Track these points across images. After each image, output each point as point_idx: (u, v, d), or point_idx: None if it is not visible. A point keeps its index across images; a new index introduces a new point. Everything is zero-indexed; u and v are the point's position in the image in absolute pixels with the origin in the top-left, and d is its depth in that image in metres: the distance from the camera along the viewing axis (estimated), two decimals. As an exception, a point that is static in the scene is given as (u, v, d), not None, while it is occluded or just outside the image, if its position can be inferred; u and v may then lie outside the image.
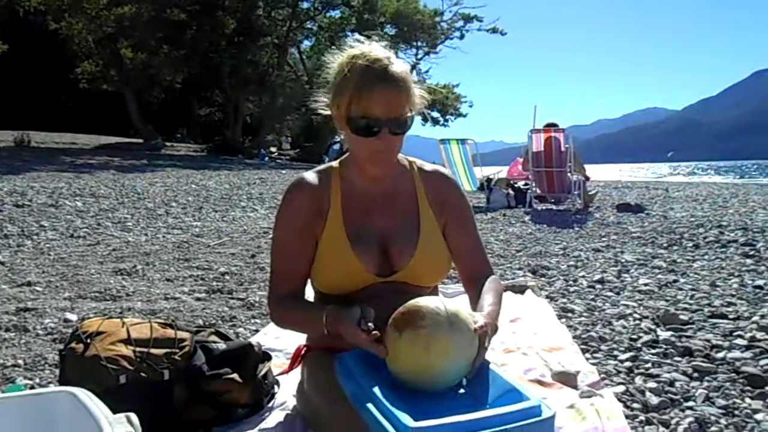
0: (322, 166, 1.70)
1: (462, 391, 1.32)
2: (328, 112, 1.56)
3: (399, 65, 1.45)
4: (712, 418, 1.86)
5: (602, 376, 2.19)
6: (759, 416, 1.87)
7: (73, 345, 1.69)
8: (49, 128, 23.29)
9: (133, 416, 0.94)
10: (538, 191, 8.94)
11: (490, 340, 1.32)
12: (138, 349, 1.67)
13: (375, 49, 1.46)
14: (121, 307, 3.09)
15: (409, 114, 1.47)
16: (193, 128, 34.63)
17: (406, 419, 1.11)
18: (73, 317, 2.86)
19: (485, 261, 1.68)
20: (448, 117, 32.55)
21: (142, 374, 1.62)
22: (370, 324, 1.34)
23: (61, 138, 21.35)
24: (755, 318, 2.86)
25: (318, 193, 1.59)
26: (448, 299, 1.32)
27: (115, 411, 1.00)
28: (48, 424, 1.03)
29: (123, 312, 2.97)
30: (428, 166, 1.73)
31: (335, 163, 1.68)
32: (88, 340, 1.68)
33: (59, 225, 5.81)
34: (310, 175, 1.63)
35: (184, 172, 13.08)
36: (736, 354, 2.38)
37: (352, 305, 1.50)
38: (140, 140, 23.45)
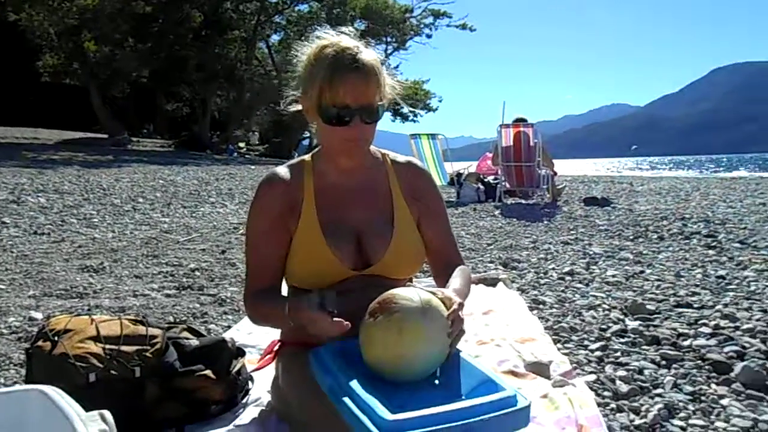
0: (293, 160, 1.68)
1: (437, 382, 1.32)
2: (298, 107, 1.55)
3: (369, 53, 1.45)
4: (680, 404, 1.90)
5: (574, 365, 2.22)
6: (725, 401, 1.92)
7: (40, 343, 1.64)
8: (9, 123, 22.62)
9: (107, 414, 0.92)
10: (508, 186, 9.03)
11: (462, 319, 1.31)
12: (108, 346, 1.63)
13: (344, 39, 1.46)
14: (88, 304, 3.02)
15: (380, 102, 1.47)
16: (160, 123, 34.02)
17: (383, 412, 1.10)
18: (39, 315, 2.79)
19: (456, 252, 1.69)
20: (417, 112, 32.62)
21: (113, 372, 1.59)
22: (330, 309, 1.34)
23: (22, 133, 20.76)
24: (718, 307, 2.94)
25: (290, 187, 1.57)
26: (422, 289, 1.32)
27: (86, 410, 0.97)
28: (18, 424, 1.00)
29: (91, 310, 2.90)
30: (401, 158, 1.73)
31: (307, 157, 1.67)
32: (56, 338, 1.63)
33: (22, 222, 5.65)
34: (282, 170, 1.62)
35: (151, 168, 12.84)
36: (702, 342, 2.45)
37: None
38: (105, 135, 22.93)
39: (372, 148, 1.66)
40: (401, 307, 1.23)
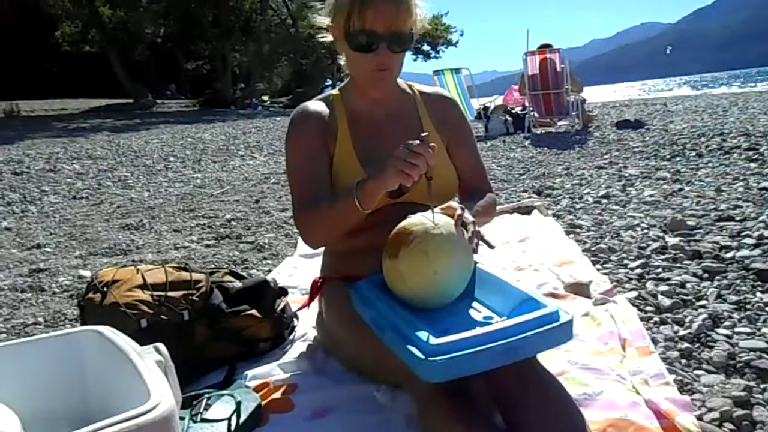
0: (321, 95, 1.67)
1: (478, 307, 1.33)
2: (329, 38, 1.52)
3: None
4: (725, 313, 1.89)
5: (614, 284, 2.22)
6: (771, 308, 1.90)
7: (90, 295, 1.71)
8: (37, 96, 22.87)
9: (161, 346, 0.96)
10: (537, 115, 8.84)
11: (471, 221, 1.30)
12: (155, 293, 1.69)
13: None
14: (132, 260, 3.12)
15: (409, 31, 1.43)
16: (183, 83, 34.00)
17: (426, 337, 1.12)
18: (87, 273, 2.89)
19: (486, 180, 1.69)
20: (439, 48, 31.78)
21: (162, 317, 1.64)
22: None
23: (50, 105, 21.01)
24: (762, 218, 2.88)
25: (324, 117, 1.57)
26: (421, 213, 1.32)
27: (140, 352, 1.01)
28: (77, 361, 1.05)
29: (135, 264, 2.99)
30: (428, 89, 1.72)
31: (335, 91, 1.66)
32: (105, 289, 1.69)
33: (60, 188, 5.79)
34: (313, 103, 1.61)
35: (179, 128, 12.92)
36: (745, 252, 2.41)
37: (364, 231, 1.51)
38: (130, 100, 23.06)
39: (399, 80, 1.65)
40: (416, 233, 1.24)
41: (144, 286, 1.71)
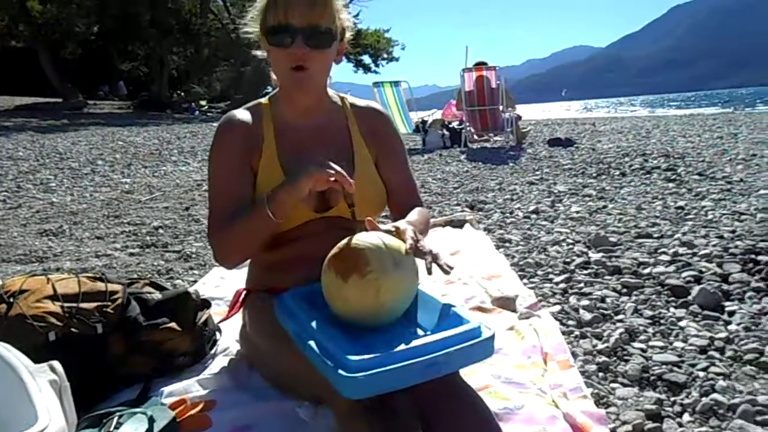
0: (250, 104, 1.63)
1: (402, 321, 1.32)
2: (251, 33, 1.51)
3: None
4: (641, 327, 1.96)
5: (539, 298, 2.27)
6: (683, 323, 1.99)
7: (-5, 306, 1.60)
8: (-45, 90, 21.57)
9: (57, 364, 0.90)
10: (473, 130, 9.02)
11: (417, 235, 1.27)
12: (66, 304, 1.59)
13: None
14: (48, 267, 2.96)
15: (326, 28, 1.42)
16: (116, 84, 32.83)
17: (347, 353, 1.10)
18: (-3, 282, 2.71)
19: (416, 194, 1.66)
20: (380, 62, 32.04)
21: (73, 330, 1.55)
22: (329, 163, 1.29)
23: (-30, 100, 19.85)
24: (677, 235, 3.02)
25: (250, 127, 1.52)
26: (381, 232, 1.27)
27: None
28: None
29: (51, 272, 2.83)
30: (361, 102, 1.70)
31: (264, 100, 1.62)
32: (11, 300, 1.59)
33: (-25, 190, 5.46)
34: (240, 112, 1.57)
35: (110, 130, 12.45)
36: (661, 269, 2.52)
37: (290, 244, 1.48)
38: (59, 99, 22.06)
39: (331, 92, 1.63)
40: (374, 266, 1.17)
41: (54, 297, 1.61)
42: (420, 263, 1.24)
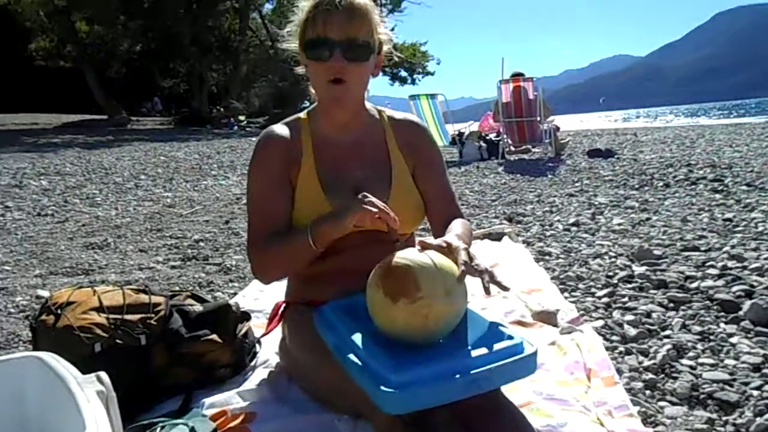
0: (289, 118, 1.64)
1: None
2: (291, 45, 1.53)
3: None
4: (689, 344, 1.90)
5: (581, 312, 2.22)
6: (734, 339, 1.92)
7: (43, 317, 1.64)
8: (6, 109, 22.47)
9: (104, 375, 0.91)
10: (510, 142, 8.95)
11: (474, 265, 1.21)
12: (111, 316, 1.63)
13: None
14: (94, 280, 3.03)
15: (364, 41, 1.42)
16: (152, 100, 33.75)
17: (388, 368, 1.09)
18: (45, 293, 2.79)
19: (455, 205, 1.62)
20: (416, 76, 32.18)
21: (118, 341, 1.58)
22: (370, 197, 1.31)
23: (20, 119, 20.63)
24: (726, 248, 2.92)
25: (289, 142, 1.54)
26: (433, 251, 1.22)
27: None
28: (16, 390, 1.00)
29: (97, 284, 2.90)
30: (398, 114, 1.70)
31: (302, 114, 1.64)
32: (59, 311, 1.63)
33: (25, 205, 5.65)
34: (279, 127, 1.59)
35: (152, 145, 12.78)
36: (709, 283, 2.43)
37: (330, 257, 1.48)
38: (104, 117, 22.80)
39: (368, 105, 1.63)
40: (425, 292, 1.13)
41: (100, 309, 1.65)
42: (475, 280, 1.19)
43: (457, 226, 1.46)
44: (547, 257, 3.10)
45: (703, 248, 3.00)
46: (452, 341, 1.25)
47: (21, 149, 11.21)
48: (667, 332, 2.02)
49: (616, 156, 8.05)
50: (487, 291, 1.16)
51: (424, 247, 1.23)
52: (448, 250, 1.23)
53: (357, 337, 1.23)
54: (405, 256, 1.20)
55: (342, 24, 1.38)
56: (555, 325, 2.08)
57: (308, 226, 1.37)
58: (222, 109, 27.62)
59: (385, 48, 1.53)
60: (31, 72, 26.88)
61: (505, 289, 1.20)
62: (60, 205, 5.69)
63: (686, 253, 2.93)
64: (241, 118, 26.87)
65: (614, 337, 2.01)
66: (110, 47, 24.87)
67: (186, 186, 7.04)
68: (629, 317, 2.15)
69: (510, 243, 3.36)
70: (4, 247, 3.91)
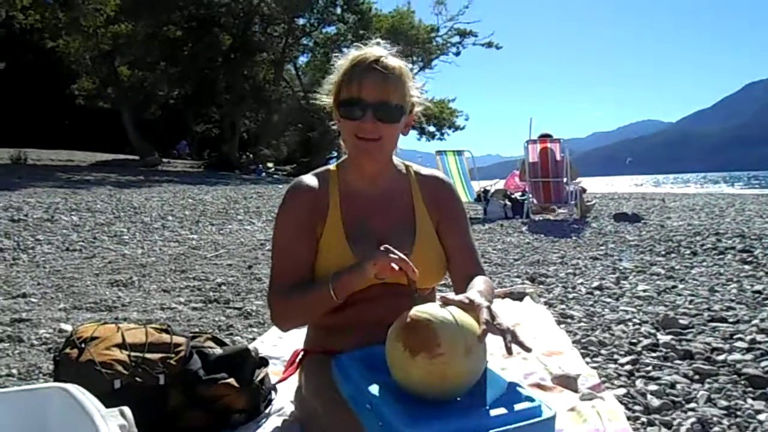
0: (319, 169, 1.69)
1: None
2: (326, 102, 1.59)
3: (393, 59, 1.50)
4: (714, 418, 1.84)
5: (603, 379, 2.17)
6: (762, 416, 1.85)
7: (67, 350, 1.67)
8: (46, 146, 23.28)
9: (127, 410, 0.93)
10: (535, 201, 8.95)
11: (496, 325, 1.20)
12: (133, 353, 1.65)
13: (375, 48, 1.53)
14: (116, 317, 3.07)
15: (396, 104, 1.48)
16: (190, 144, 34.67)
17: (403, 422, 1.09)
18: (68, 327, 2.83)
19: (477, 262, 1.62)
20: (444, 130, 32.64)
21: (137, 379, 1.60)
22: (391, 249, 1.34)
23: (58, 155, 21.32)
24: (755, 321, 2.85)
25: (317, 193, 1.58)
26: (455, 307, 1.22)
27: (109, 413, 0.97)
28: (40, 420, 1.01)
29: (119, 321, 2.94)
30: (425, 170, 1.74)
31: (332, 166, 1.69)
32: (83, 345, 1.66)
33: (55, 239, 5.78)
34: (308, 178, 1.64)
35: (181, 187, 13.06)
36: (737, 356, 2.37)
37: (349, 307, 1.49)
38: (137, 157, 23.45)
39: (396, 160, 1.68)
40: (445, 349, 1.13)
41: (123, 346, 1.67)
42: (495, 339, 1.18)
43: (479, 283, 1.47)
44: (568, 320, 3.05)
45: (731, 320, 2.93)
46: (470, 399, 1.24)
47: (55, 184, 11.54)
48: (692, 405, 1.96)
49: (642, 221, 7.98)
50: (509, 351, 1.16)
51: (446, 302, 1.25)
52: (470, 307, 1.23)
53: (374, 389, 1.23)
54: (426, 310, 1.20)
55: (376, 86, 1.45)
56: (575, 390, 2.03)
57: (330, 278, 1.41)
58: (251, 156, 28.18)
59: (417, 109, 1.59)
60: (72, 111, 27.96)
61: (527, 349, 1.19)
62: (88, 241, 5.81)
63: (713, 324, 2.86)
64: (270, 165, 27.41)
65: (636, 407, 1.96)
66: (148, 91, 25.82)
67: (212, 229, 7.15)
68: (653, 387, 2.10)
69: (531, 303, 3.33)
70: (32, 280, 3.99)
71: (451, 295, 1.27)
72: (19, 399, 1.03)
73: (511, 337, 1.17)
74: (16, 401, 1.02)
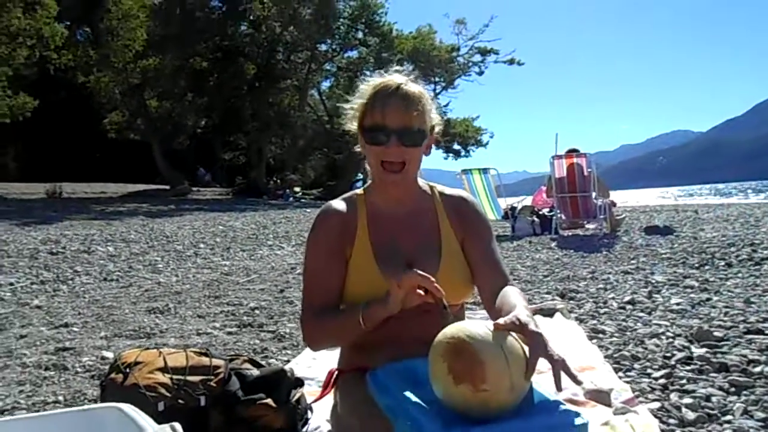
0: (347, 194, 1.76)
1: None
2: (351, 127, 1.65)
3: (414, 86, 1.57)
4: (751, 430, 1.83)
5: (636, 393, 2.17)
6: (800, 427, 1.83)
7: (112, 375, 1.74)
8: (79, 179, 23.94)
9: (178, 426, 0.98)
10: (564, 217, 8.89)
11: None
12: (175, 376, 1.72)
13: (395, 76, 1.59)
14: (155, 343, 3.16)
15: (419, 127, 1.55)
16: (218, 172, 35.28)
17: (439, 431, 1.12)
18: (110, 355, 2.92)
19: (503, 272, 1.62)
20: (469, 148, 32.59)
21: (180, 401, 1.66)
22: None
23: (91, 188, 21.92)
24: (793, 332, 2.81)
25: (345, 217, 1.65)
26: (507, 338, 1.19)
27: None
28: (96, 438, 1.07)
29: (160, 347, 3.02)
30: (449, 190, 1.79)
31: (359, 191, 1.75)
32: (127, 370, 1.73)
33: (92, 270, 5.95)
34: (337, 202, 1.70)
35: (211, 215, 13.30)
36: (774, 367, 2.34)
37: (381, 325, 1.53)
38: (167, 186, 23.94)
39: (421, 181, 1.73)
40: (491, 385, 1.12)
41: (165, 369, 1.74)
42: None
43: (514, 295, 1.47)
44: (600, 335, 3.04)
45: (767, 331, 2.89)
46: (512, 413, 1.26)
47: (90, 217, 11.86)
48: (728, 417, 1.95)
49: (674, 233, 7.87)
50: (558, 387, 1.17)
51: (498, 328, 1.21)
52: (520, 329, 1.21)
53: (410, 400, 1.26)
54: (477, 337, 1.17)
55: (399, 113, 1.52)
56: (608, 405, 2.03)
57: (359, 307, 1.47)
58: (278, 181, 28.54)
59: (437, 129, 1.65)
60: (103, 144, 28.76)
61: (578, 383, 1.20)
62: (125, 270, 5.97)
63: (749, 336, 2.83)
64: (297, 189, 27.66)
65: (671, 420, 1.95)
66: (176, 121, 26.45)
67: (243, 255, 7.27)
68: (687, 400, 2.09)
69: (562, 319, 3.33)
70: (73, 310, 4.12)
71: (502, 320, 1.23)
72: (78, 419, 1.09)
73: (560, 367, 1.17)
74: (75, 421, 1.09)
